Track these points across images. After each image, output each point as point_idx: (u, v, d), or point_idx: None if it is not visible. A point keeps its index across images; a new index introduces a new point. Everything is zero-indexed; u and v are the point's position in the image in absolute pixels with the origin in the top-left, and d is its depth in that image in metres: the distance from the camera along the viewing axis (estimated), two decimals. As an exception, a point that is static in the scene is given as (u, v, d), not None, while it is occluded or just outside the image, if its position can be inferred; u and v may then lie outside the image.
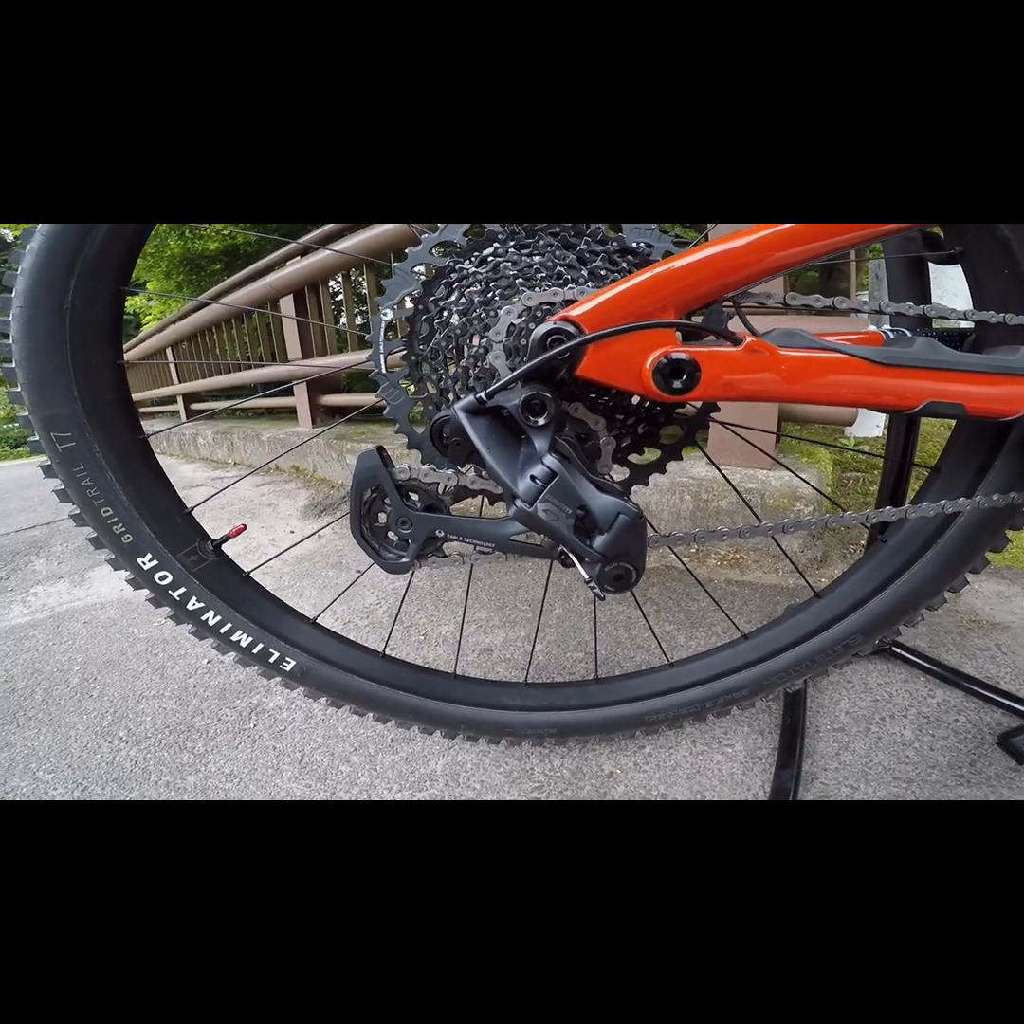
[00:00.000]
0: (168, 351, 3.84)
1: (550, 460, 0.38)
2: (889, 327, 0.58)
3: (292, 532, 1.79)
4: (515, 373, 0.39)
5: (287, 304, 2.26)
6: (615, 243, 0.46)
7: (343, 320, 2.57)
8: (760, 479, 1.21)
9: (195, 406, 3.91)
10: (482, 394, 0.39)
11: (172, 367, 3.86)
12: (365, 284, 2.08)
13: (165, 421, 4.28)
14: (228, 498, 2.34)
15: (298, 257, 2.11)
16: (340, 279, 2.19)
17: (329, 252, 1.89)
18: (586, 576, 0.39)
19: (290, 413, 2.86)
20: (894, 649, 0.79)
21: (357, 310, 2.65)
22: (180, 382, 3.87)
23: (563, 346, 0.39)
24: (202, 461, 3.42)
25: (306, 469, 2.41)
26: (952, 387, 0.42)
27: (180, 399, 3.91)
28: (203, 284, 5.34)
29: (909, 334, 0.54)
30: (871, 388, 0.42)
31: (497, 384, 0.39)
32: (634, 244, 0.46)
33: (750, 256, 0.40)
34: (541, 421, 0.39)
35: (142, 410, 5.05)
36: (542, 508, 0.37)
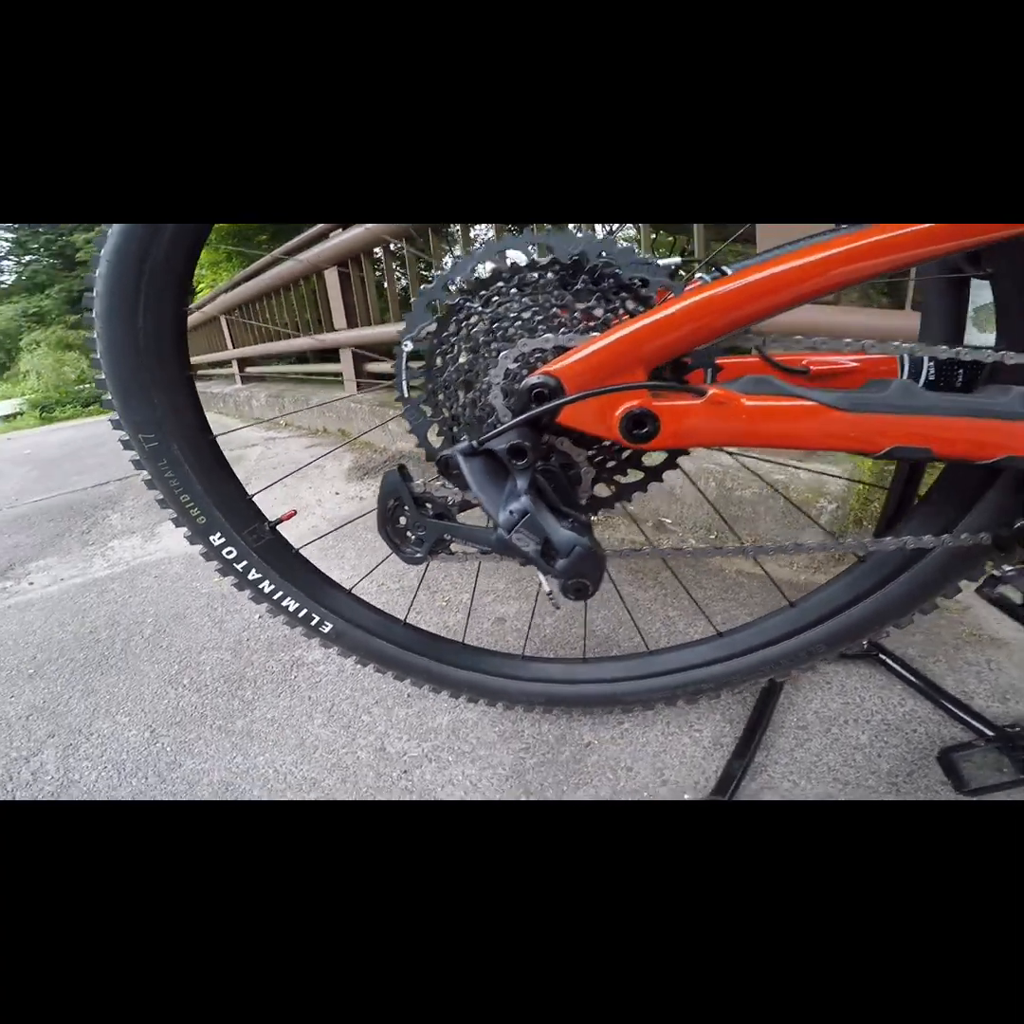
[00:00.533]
0: (222, 318, 4.06)
1: (524, 500, 0.47)
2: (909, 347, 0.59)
3: (337, 493, 1.95)
4: (503, 427, 0.48)
5: (331, 274, 2.37)
6: (611, 280, 0.50)
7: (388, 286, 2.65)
8: (789, 471, 1.24)
9: (248, 370, 4.15)
10: (475, 442, 0.49)
11: (226, 333, 4.09)
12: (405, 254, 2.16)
13: (221, 383, 4.55)
14: (280, 459, 2.53)
15: (340, 229, 2.20)
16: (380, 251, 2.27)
17: (366, 227, 1.97)
18: (548, 588, 0.48)
19: (336, 378, 3.01)
20: (880, 656, 0.83)
21: (398, 276, 2.73)
22: (234, 347, 4.10)
23: (541, 408, 0.47)
24: (256, 421, 3.66)
25: (352, 433, 2.56)
26: (919, 431, 0.45)
27: (235, 363, 4.15)
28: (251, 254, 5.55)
29: (929, 359, 0.57)
30: (835, 434, 0.45)
31: (489, 434, 0.48)
32: (629, 280, 0.50)
33: (725, 307, 0.44)
34: (521, 464, 0.48)
35: (200, 373, 5.38)
36: (516, 537, 0.48)
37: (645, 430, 0.46)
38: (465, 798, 0.69)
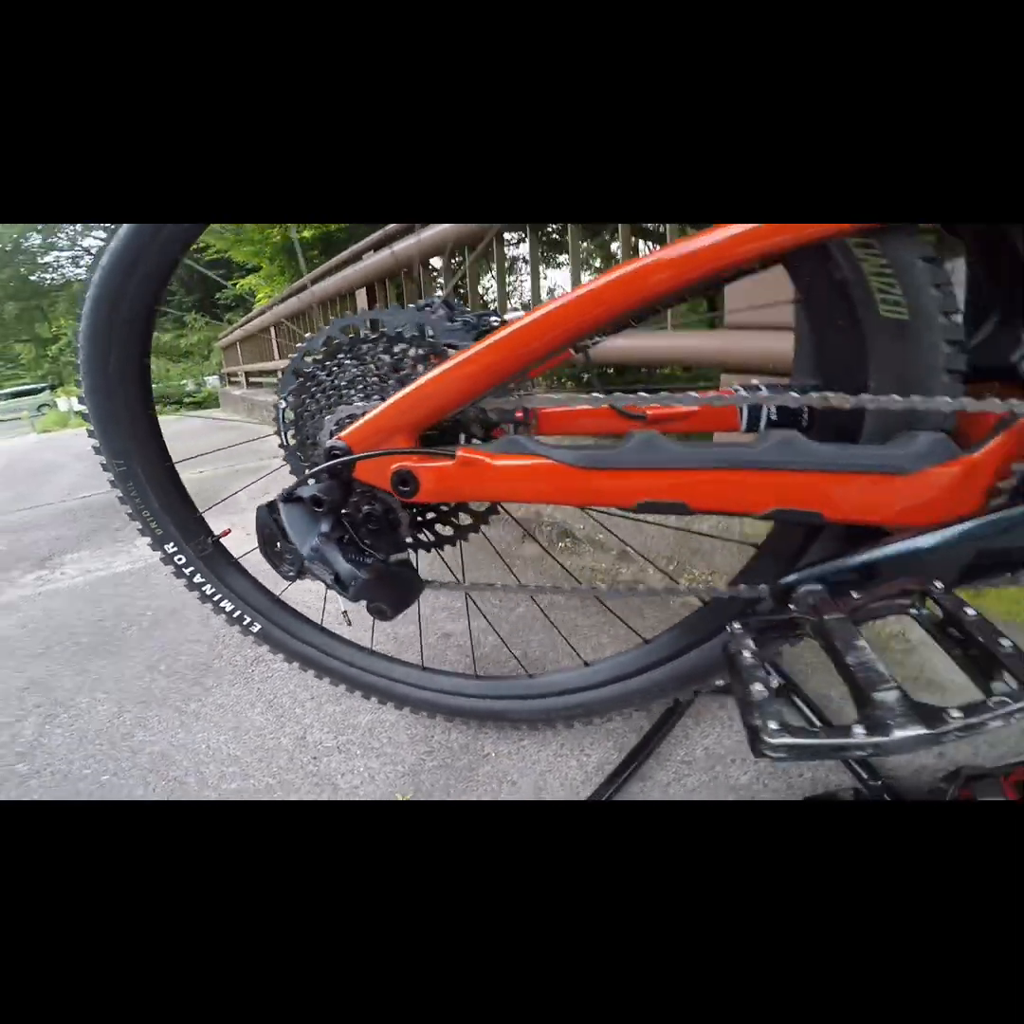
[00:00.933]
0: (271, 329, 4.43)
1: (316, 539, 0.59)
2: (740, 387, 0.63)
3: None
4: (297, 482, 0.60)
5: (361, 296, 2.60)
6: (425, 349, 0.59)
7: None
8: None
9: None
10: (286, 493, 0.61)
11: (274, 344, 4.44)
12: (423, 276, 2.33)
13: (267, 392, 4.91)
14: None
15: (372, 251, 2.40)
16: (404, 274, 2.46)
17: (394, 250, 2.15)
18: (343, 607, 0.60)
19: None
20: (792, 696, 0.84)
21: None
22: (280, 357, 4.44)
23: (319, 467, 0.59)
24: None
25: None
26: (664, 486, 0.47)
27: (279, 373, 4.49)
28: (300, 267, 6.05)
29: (762, 390, 0.60)
30: (577, 491, 0.49)
31: (293, 486, 0.61)
32: (443, 347, 0.58)
33: (461, 376, 0.52)
34: (321, 511, 0.59)
35: (251, 380, 5.83)
36: (314, 568, 0.60)
37: (409, 488, 0.56)
38: (356, 786, 0.79)
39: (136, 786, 0.82)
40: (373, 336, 0.61)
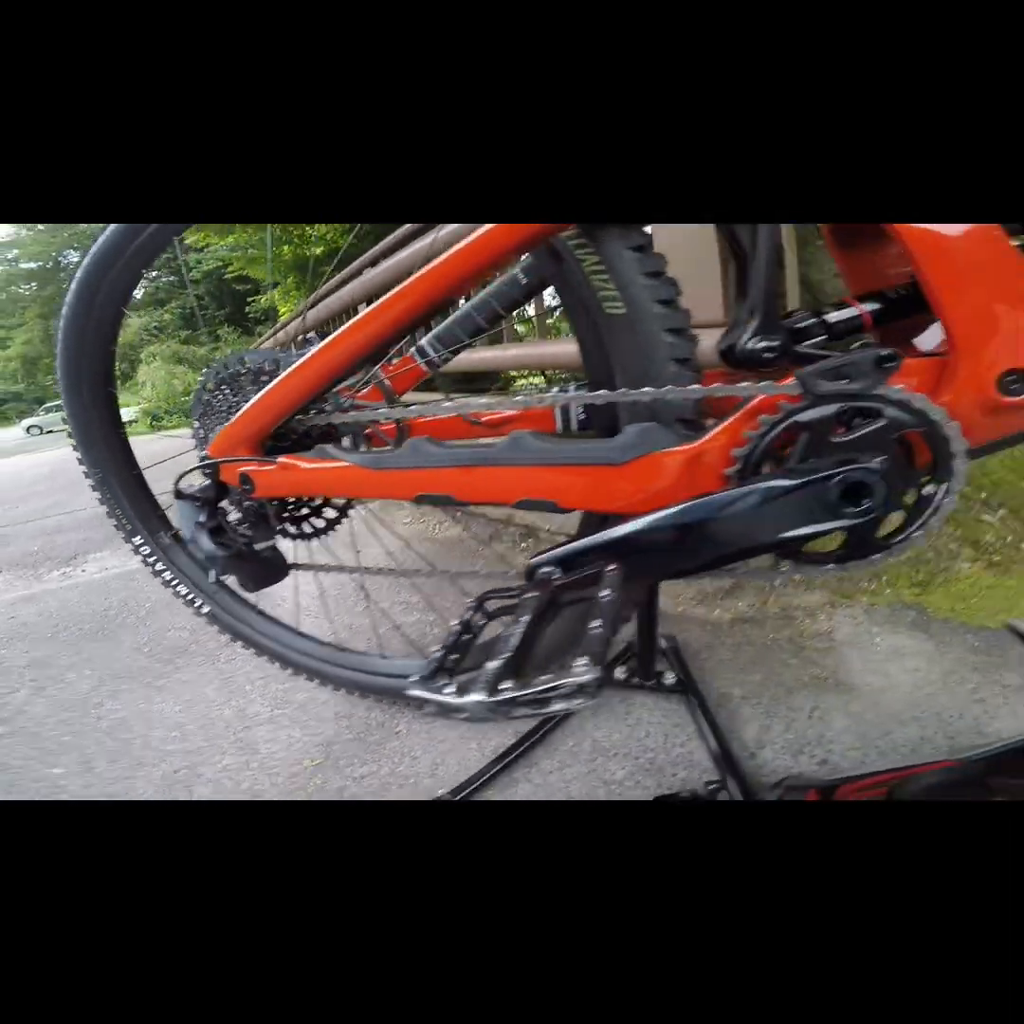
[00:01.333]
0: (291, 345, 4.73)
1: (190, 527, 0.72)
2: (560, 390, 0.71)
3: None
4: (175, 480, 0.74)
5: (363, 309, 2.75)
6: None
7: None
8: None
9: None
10: (174, 491, 0.75)
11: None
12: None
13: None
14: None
15: (370, 267, 2.54)
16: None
17: (386, 265, 2.29)
18: (211, 579, 0.76)
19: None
20: (688, 694, 0.86)
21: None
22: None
23: (188, 469, 0.74)
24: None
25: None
26: (430, 482, 0.54)
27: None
28: (314, 283, 6.50)
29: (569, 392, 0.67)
30: (370, 486, 0.59)
31: (173, 485, 0.74)
32: None
33: (276, 399, 0.64)
34: (197, 504, 0.73)
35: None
36: (191, 547, 0.74)
37: (250, 486, 0.69)
38: (273, 752, 0.90)
39: (89, 745, 0.97)
40: (243, 371, 0.75)
